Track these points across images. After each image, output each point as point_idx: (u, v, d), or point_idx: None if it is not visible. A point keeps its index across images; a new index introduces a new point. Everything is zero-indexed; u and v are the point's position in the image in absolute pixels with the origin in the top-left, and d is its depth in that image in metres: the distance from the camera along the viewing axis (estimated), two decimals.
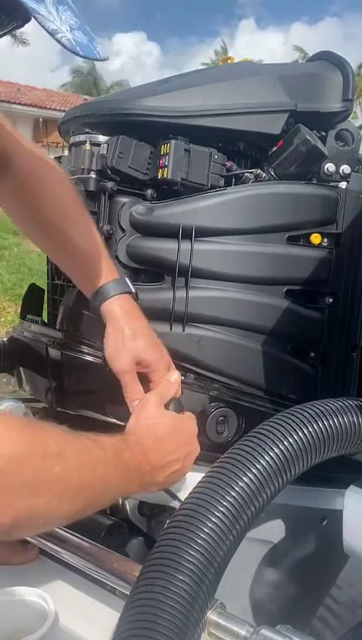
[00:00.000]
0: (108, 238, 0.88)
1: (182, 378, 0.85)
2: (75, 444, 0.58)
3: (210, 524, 0.53)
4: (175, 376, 0.79)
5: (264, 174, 0.91)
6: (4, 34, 0.60)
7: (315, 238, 0.91)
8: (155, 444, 0.69)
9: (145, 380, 0.78)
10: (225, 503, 0.55)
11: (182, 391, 0.82)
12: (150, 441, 0.69)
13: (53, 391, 0.90)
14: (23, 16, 0.55)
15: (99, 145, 0.89)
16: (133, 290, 0.80)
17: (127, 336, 0.76)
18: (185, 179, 0.85)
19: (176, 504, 0.83)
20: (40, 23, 0.52)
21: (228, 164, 0.90)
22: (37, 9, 0.52)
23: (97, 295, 0.78)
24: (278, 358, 0.92)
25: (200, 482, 0.59)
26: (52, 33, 0.53)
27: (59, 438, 0.56)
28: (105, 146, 0.87)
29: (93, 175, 0.89)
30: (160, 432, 0.71)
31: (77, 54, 0.55)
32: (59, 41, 0.53)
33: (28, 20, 0.57)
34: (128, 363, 0.76)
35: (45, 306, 1.08)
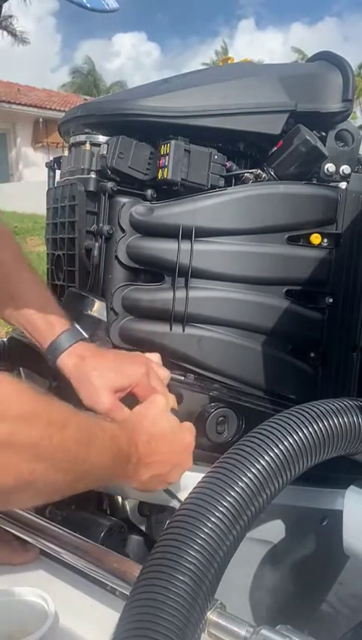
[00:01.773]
0: (108, 239, 0.88)
1: (182, 378, 0.85)
2: (78, 418, 0.58)
3: (210, 524, 0.53)
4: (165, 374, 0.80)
5: (264, 174, 0.91)
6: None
7: (315, 239, 0.91)
8: (148, 439, 0.69)
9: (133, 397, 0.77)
10: (225, 503, 0.55)
11: (183, 392, 0.82)
12: (144, 435, 0.69)
13: (53, 391, 0.90)
14: None
15: (99, 145, 0.89)
16: (86, 336, 0.80)
17: (94, 378, 0.75)
18: (185, 179, 0.85)
19: (176, 504, 0.83)
20: None
21: (228, 164, 0.90)
22: None
23: (51, 351, 0.78)
24: (278, 359, 0.92)
25: (200, 482, 0.59)
26: None
27: (63, 410, 0.57)
28: (105, 146, 0.87)
29: (93, 175, 0.89)
30: (156, 431, 0.71)
31: (84, 7, 0.52)
32: None
33: None
34: (108, 401, 0.74)
35: None
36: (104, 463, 0.61)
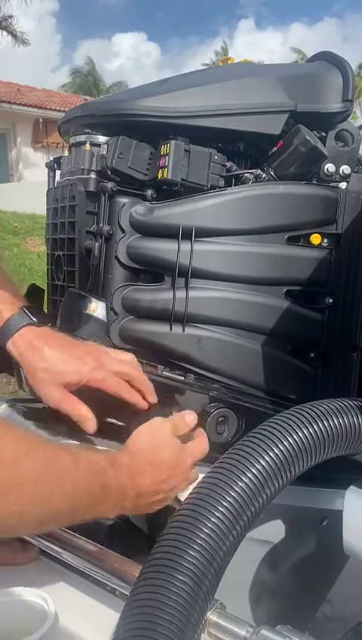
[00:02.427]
0: (108, 239, 0.88)
1: (182, 378, 0.85)
2: (40, 455, 0.54)
3: (210, 525, 0.53)
4: (191, 417, 0.73)
5: (264, 175, 0.91)
6: None
7: (315, 239, 0.91)
8: (149, 469, 0.65)
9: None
10: (225, 504, 0.55)
11: (183, 392, 0.82)
12: (144, 465, 0.65)
13: None
14: None
15: (99, 145, 0.89)
16: (34, 320, 0.74)
17: (42, 373, 0.71)
18: (185, 179, 0.85)
19: (176, 504, 0.83)
20: None
21: (228, 164, 0.90)
22: None
23: (1, 334, 0.74)
24: (278, 359, 0.92)
25: (200, 482, 0.59)
26: None
27: (18, 446, 0.52)
28: (105, 146, 0.87)
29: (93, 175, 0.89)
30: (158, 459, 0.67)
31: None
32: None
33: None
34: (57, 396, 0.71)
35: (45, 306, 1.08)
36: (80, 503, 0.57)
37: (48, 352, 0.72)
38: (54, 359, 0.72)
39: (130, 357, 0.77)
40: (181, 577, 0.49)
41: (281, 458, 0.60)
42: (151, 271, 0.89)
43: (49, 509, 0.54)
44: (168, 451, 0.68)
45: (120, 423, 0.80)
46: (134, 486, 0.63)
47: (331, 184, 0.93)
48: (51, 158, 1.10)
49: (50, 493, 0.53)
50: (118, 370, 0.74)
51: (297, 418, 0.64)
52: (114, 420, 0.83)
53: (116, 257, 0.87)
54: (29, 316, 0.74)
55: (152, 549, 0.54)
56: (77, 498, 0.56)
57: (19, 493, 0.50)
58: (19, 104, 15.47)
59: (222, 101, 0.87)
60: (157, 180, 0.86)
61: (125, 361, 0.76)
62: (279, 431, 0.62)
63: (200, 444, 0.72)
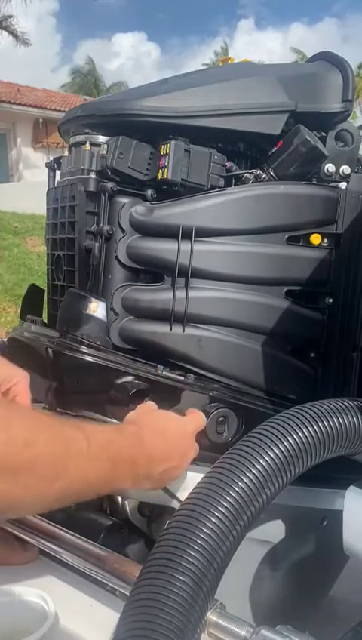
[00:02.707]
0: (108, 239, 0.88)
1: (182, 378, 0.85)
2: (52, 432, 0.55)
3: (210, 525, 0.53)
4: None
5: (264, 175, 0.91)
6: None
7: (315, 239, 0.91)
8: (156, 436, 0.68)
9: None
10: (225, 504, 0.55)
11: (183, 393, 0.82)
12: (151, 432, 0.67)
13: (53, 392, 0.90)
14: None
15: (99, 145, 0.89)
16: None
17: None
18: (185, 179, 0.85)
19: (176, 504, 0.83)
20: None
21: (228, 164, 0.90)
22: None
23: None
24: (278, 359, 0.92)
25: (200, 482, 0.59)
26: None
27: (31, 425, 0.53)
28: (105, 146, 0.87)
29: (93, 175, 0.89)
30: (161, 425, 0.70)
31: None
32: None
33: None
34: None
35: (45, 306, 1.08)
36: (94, 476, 0.58)
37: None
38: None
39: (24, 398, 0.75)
40: (181, 577, 0.49)
41: (281, 458, 0.60)
42: (151, 271, 0.89)
43: (64, 486, 0.55)
44: (170, 417, 0.73)
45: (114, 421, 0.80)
46: (144, 454, 0.65)
47: (331, 184, 0.93)
48: (51, 158, 1.10)
49: (65, 470, 0.54)
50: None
51: (297, 418, 0.64)
52: (114, 421, 0.83)
53: (116, 257, 0.87)
54: None
55: (152, 549, 0.54)
56: (91, 472, 0.58)
57: (36, 472, 0.51)
58: (20, 104, 15.47)
59: (222, 101, 0.87)
60: (157, 179, 0.86)
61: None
62: (279, 431, 0.62)
63: (197, 415, 0.78)
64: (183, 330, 0.86)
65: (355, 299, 0.92)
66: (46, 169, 1.10)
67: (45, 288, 1.08)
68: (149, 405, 0.75)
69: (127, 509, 0.89)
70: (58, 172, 1.06)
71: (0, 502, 0.50)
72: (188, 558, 0.51)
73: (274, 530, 0.90)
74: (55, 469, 0.53)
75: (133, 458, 0.64)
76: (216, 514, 0.54)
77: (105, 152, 0.87)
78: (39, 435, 0.53)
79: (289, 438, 0.62)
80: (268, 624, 0.52)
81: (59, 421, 0.60)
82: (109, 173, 0.87)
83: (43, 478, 0.52)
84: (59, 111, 14.38)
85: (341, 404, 0.69)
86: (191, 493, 0.58)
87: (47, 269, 1.05)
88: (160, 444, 0.68)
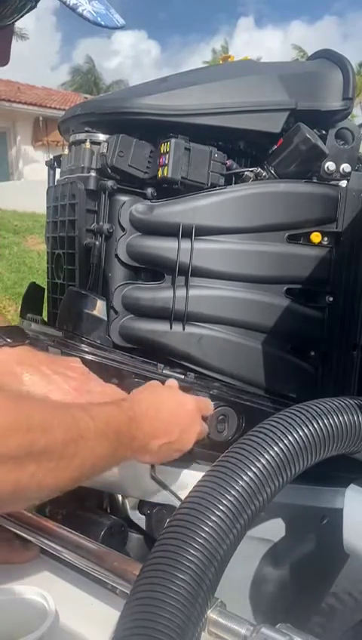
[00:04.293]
0: (108, 237, 0.88)
1: (182, 377, 0.85)
2: (62, 416, 0.57)
3: (210, 523, 0.53)
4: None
5: (264, 173, 0.91)
6: (20, 17, 0.60)
7: (315, 237, 0.91)
8: (147, 408, 0.69)
9: None
10: (225, 502, 0.55)
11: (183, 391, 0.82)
12: (144, 407, 0.69)
13: None
14: None
15: (99, 143, 0.89)
16: (9, 341, 0.77)
17: None
18: (186, 177, 0.85)
19: (176, 503, 0.83)
20: (61, 0, 0.52)
21: (229, 162, 0.90)
22: None
23: None
24: (278, 357, 0.92)
25: (200, 481, 0.59)
26: (73, 8, 0.53)
27: (45, 411, 0.56)
28: (106, 144, 0.87)
29: (93, 174, 0.89)
30: (155, 398, 0.72)
31: (99, 25, 0.56)
32: (81, 15, 0.55)
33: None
34: None
35: (45, 305, 1.08)
36: (102, 452, 0.61)
37: (27, 379, 0.72)
38: (34, 385, 0.72)
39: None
40: (181, 576, 0.49)
41: (281, 456, 0.60)
42: (151, 269, 0.89)
43: (78, 464, 0.57)
44: (168, 393, 0.75)
45: None
46: (138, 427, 0.66)
47: (331, 182, 0.93)
48: (51, 157, 1.10)
49: (78, 450, 0.56)
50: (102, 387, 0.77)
51: (297, 416, 0.64)
52: None
53: (116, 256, 0.87)
54: (2, 338, 0.77)
55: (153, 548, 0.54)
56: (99, 449, 0.60)
57: (55, 455, 0.54)
58: (19, 102, 15.46)
59: (223, 99, 0.86)
60: (157, 178, 0.86)
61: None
62: (279, 429, 0.62)
63: (203, 398, 0.81)
64: (183, 329, 0.86)
65: (355, 297, 0.92)
66: (46, 167, 1.10)
67: (45, 287, 1.08)
68: (152, 383, 0.77)
69: (128, 507, 0.89)
70: (58, 170, 1.06)
71: (26, 487, 0.52)
72: (189, 557, 0.51)
73: (274, 529, 0.90)
74: (70, 450, 0.56)
75: (131, 432, 0.65)
76: (217, 512, 0.54)
77: (105, 151, 0.87)
78: (53, 421, 0.55)
79: (289, 437, 0.62)
80: (269, 622, 0.52)
81: (65, 404, 0.62)
82: (109, 171, 0.86)
83: (61, 459, 0.55)
84: (59, 109, 14.36)
85: (341, 402, 0.69)
86: (191, 492, 0.58)
87: (48, 268, 1.05)
88: (153, 419, 0.69)
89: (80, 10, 0.55)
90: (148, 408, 0.70)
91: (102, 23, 0.57)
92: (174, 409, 0.73)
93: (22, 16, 0.64)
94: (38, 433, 0.52)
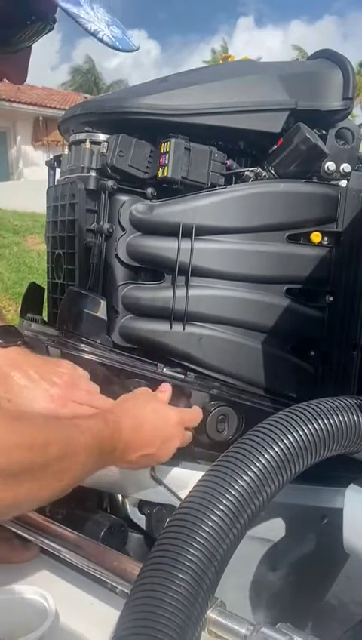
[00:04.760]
0: (108, 237, 0.88)
1: (182, 377, 0.85)
2: (58, 433, 0.59)
3: (210, 523, 0.53)
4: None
5: (264, 173, 0.91)
6: (38, 39, 0.64)
7: (315, 237, 0.91)
8: (131, 423, 0.70)
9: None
10: (225, 502, 0.55)
11: (183, 391, 0.82)
12: (127, 419, 0.70)
13: None
14: (54, 18, 0.61)
15: (99, 143, 0.89)
16: (1, 341, 0.76)
17: (5, 401, 0.71)
18: (186, 177, 0.85)
19: (176, 503, 0.83)
20: (83, 26, 0.56)
21: (229, 162, 0.90)
22: (78, 13, 0.56)
23: None
24: (278, 357, 0.92)
25: (200, 481, 0.59)
26: (94, 34, 0.57)
27: (43, 430, 0.57)
28: (105, 144, 0.87)
29: (93, 174, 0.89)
30: (138, 412, 0.73)
31: (117, 49, 0.61)
32: (101, 40, 0.58)
33: (55, 21, 0.62)
34: None
35: (45, 304, 1.08)
36: (89, 464, 0.63)
37: (16, 381, 0.73)
38: (21, 389, 0.72)
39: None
40: (181, 575, 0.49)
41: (281, 456, 0.60)
42: (151, 269, 0.89)
43: (71, 478, 0.59)
44: (151, 406, 0.75)
45: None
46: (122, 441, 0.68)
47: (331, 182, 0.93)
48: (51, 156, 1.10)
49: (72, 465, 0.59)
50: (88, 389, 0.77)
51: (297, 416, 0.64)
52: None
53: (116, 255, 0.87)
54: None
55: (153, 547, 0.54)
56: (88, 463, 0.62)
57: (53, 470, 0.56)
58: (19, 102, 15.44)
59: (223, 99, 0.86)
60: (157, 178, 0.86)
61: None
62: (279, 429, 0.62)
63: (192, 410, 0.82)
64: (183, 329, 0.86)
65: (355, 297, 0.92)
66: (46, 167, 1.10)
67: (45, 287, 1.08)
68: (140, 392, 0.79)
69: (128, 507, 0.89)
70: (58, 170, 1.06)
71: (23, 501, 0.54)
72: (189, 557, 0.51)
73: (274, 529, 0.90)
74: (64, 466, 0.58)
75: (114, 446, 0.67)
76: (217, 512, 0.54)
77: (105, 150, 0.87)
78: (50, 438, 0.56)
79: (289, 436, 0.62)
80: (269, 622, 0.52)
81: (59, 420, 0.64)
82: (109, 171, 0.86)
83: (55, 474, 0.57)
84: (59, 109, 14.36)
85: (341, 402, 0.69)
86: (191, 492, 0.58)
87: (48, 268, 1.05)
88: (136, 432, 0.70)
89: (100, 35, 0.58)
90: (133, 421, 0.71)
91: (120, 47, 0.60)
92: (157, 423, 0.74)
93: (39, 38, 0.66)
94: (38, 451, 0.54)
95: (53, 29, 0.67)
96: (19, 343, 0.77)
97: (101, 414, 0.69)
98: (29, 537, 0.74)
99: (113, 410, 0.73)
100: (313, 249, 0.92)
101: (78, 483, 0.63)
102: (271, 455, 0.60)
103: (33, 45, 0.70)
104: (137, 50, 0.65)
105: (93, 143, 0.89)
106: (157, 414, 0.75)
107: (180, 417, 0.78)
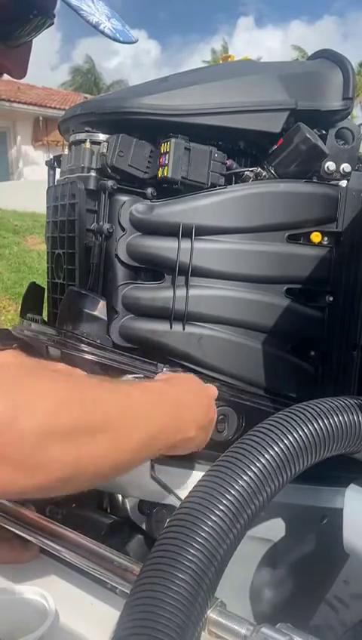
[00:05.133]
0: (108, 237, 0.88)
1: None
2: (112, 388, 0.58)
3: (210, 523, 0.53)
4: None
5: (264, 173, 0.91)
6: (38, 34, 0.65)
7: (315, 237, 0.91)
8: (183, 391, 0.71)
9: None
10: (225, 502, 0.55)
11: None
12: (184, 390, 0.71)
13: None
14: (54, 12, 0.62)
15: (99, 143, 0.89)
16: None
17: None
18: (186, 177, 0.85)
19: (176, 502, 0.83)
20: (85, 19, 0.58)
21: (229, 162, 0.90)
22: (80, 6, 0.57)
23: None
24: (278, 357, 0.92)
25: (200, 481, 0.59)
26: (96, 26, 0.58)
27: (95, 385, 0.57)
28: (105, 144, 0.87)
29: (93, 174, 0.89)
30: (190, 384, 0.74)
31: (118, 41, 0.63)
32: (102, 32, 0.59)
33: (55, 16, 0.64)
34: None
35: (45, 304, 1.08)
36: (162, 418, 0.62)
37: None
38: None
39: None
40: (181, 575, 0.49)
41: (281, 456, 0.60)
42: (151, 269, 0.89)
43: (142, 437, 0.57)
44: (188, 378, 0.76)
45: None
46: (181, 403, 0.67)
47: (331, 182, 0.93)
48: (51, 156, 1.10)
49: (136, 420, 0.57)
50: None
51: (297, 416, 0.64)
52: None
53: (116, 255, 0.87)
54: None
55: (153, 547, 0.54)
56: (158, 417, 0.61)
57: (110, 427, 0.54)
58: (19, 102, 15.46)
59: (223, 99, 0.86)
60: (157, 178, 0.86)
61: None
62: (279, 429, 0.62)
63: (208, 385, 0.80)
64: (183, 329, 0.86)
65: (355, 297, 0.92)
66: (46, 167, 1.10)
67: (45, 287, 1.08)
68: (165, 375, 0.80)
69: (128, 507, 0.89)
70: (58, 170, 1.06)
71: (88, 466, 0.52)
72: (189, 557, 0.51)
73: (274, 529, 0.90)
74: (126, 420, 0.56)
75: (187, 402, 0.67)
76: (217, 512, 0.54)
77: (105, 150, 0.87)
78: (104, 394, 0.55)
79: (289, 436, 0.62)
80: (269, 622, 0.52)
81: (110, 380, 0.63)
82: (109, 171, 0.86)
83: (118, 431, 0.54)
84: (59, 109, 14.37)
85: (341, 402, 0.69)
86: (191, 492, 0.58)
87: (47, 268, 1.05)
88: (188, 402, 0.70)
89: (101, 27, 0.59)
90: (186, 391, 0.71)
91: (121, 39, 0.61)
92: (200, 395, 0.74)
93: (40, 33, 0.67)
94: (89, 406, 0.52)
95: (53, 23, 0.68)
96: (14, 345, 0.76)
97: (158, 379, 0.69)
98: (29, 537, 0.74)
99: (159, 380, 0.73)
100: (313, 249, 0.92)
101: (160, 442, 0.62)
102: (271, 455, 0.60)
103: (33, 43, 0.70)
104: (136, 42, 0.66)
105: (93, 143, 0.89)
106: (200, 386, 0.76)
107: (211, 390, 0.78)
